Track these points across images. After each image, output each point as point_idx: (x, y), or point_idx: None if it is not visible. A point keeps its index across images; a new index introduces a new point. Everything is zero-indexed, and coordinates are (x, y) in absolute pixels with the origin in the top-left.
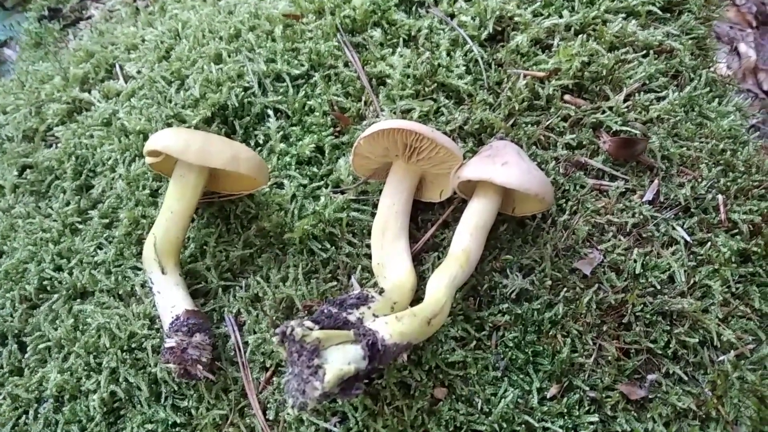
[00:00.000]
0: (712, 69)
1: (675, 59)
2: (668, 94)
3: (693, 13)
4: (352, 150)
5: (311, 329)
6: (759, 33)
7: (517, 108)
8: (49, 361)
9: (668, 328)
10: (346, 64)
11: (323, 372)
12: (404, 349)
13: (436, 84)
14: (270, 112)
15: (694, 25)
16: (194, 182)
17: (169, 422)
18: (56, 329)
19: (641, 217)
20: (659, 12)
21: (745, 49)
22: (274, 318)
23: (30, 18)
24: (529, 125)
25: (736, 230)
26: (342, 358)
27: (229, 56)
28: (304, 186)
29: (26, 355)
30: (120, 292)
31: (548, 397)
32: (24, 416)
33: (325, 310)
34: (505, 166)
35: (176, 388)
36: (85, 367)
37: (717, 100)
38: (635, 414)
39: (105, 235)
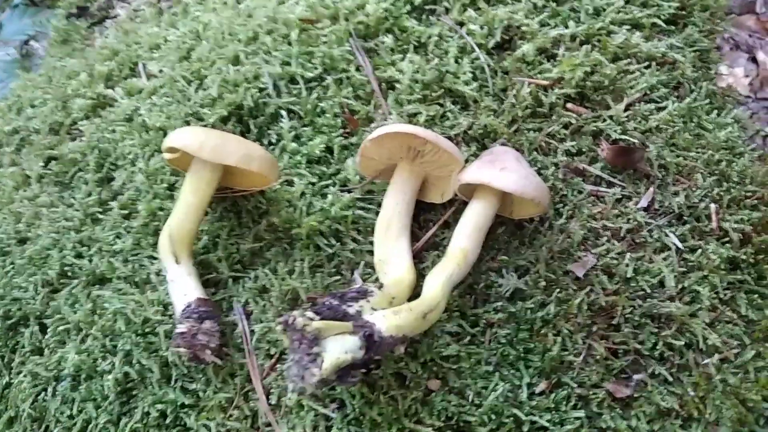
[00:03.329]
0: (712, 81)
1: (677, 71)
2: (668, 105)
3: (697, 26)
4: (358, 151)
5: (312, 319)
6: None
7: (520, 115)
8: (68, 342)
9: (656, 330)
10: (357, 69)
11: (321, 360)
12: (400, 341)
13: (443, 89)
14: (283, 112)
15: (697, 38)
16: (209, 178)
17: (178, 403)
18: (75, 313)
19: (635, 223)
20: (664, 24)
21: (763, 57)
22: (279, 308)
23: (59, 15)
24: (531, 131)
25: (727, 238)
26: (340, 348)
27: (247, 58)
28: (313, 184)
29: (46, 336)
30: (136, 280)
31: (537, 392)
32: (43, 393)
33: (327, 302)
34: (503, 171)
35: (186, 372)
36: (102, 349)
37: (716, 111)
38: (620, 411)
39: (124, 226)
